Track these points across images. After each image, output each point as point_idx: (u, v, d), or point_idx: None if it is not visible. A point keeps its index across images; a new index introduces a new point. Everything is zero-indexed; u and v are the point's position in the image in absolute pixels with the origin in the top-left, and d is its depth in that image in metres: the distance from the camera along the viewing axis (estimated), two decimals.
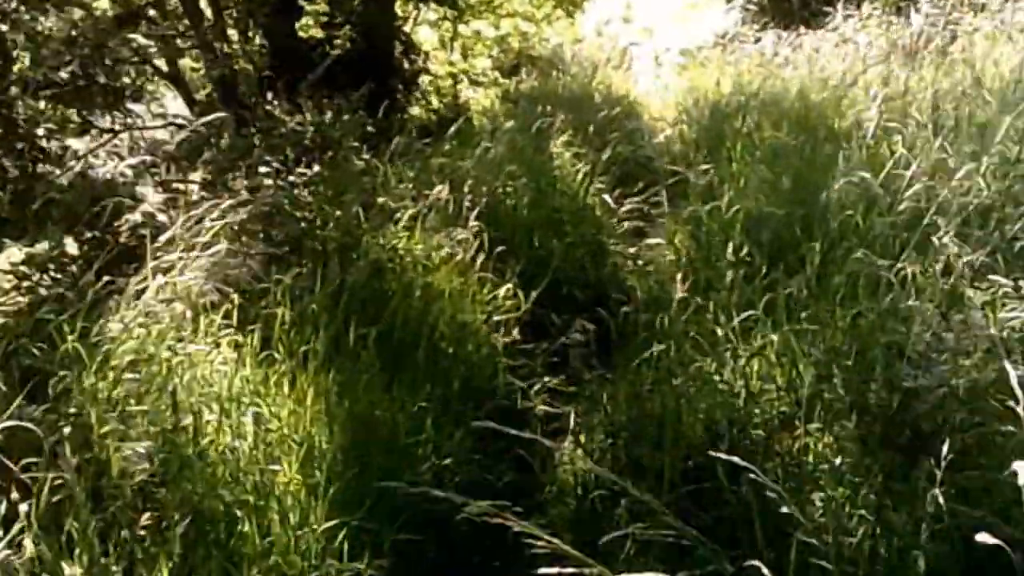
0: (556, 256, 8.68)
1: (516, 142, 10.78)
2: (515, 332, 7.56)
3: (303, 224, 7.58)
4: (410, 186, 8.61)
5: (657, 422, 5.60)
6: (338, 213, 7.85)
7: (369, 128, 10.37)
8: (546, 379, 7.09)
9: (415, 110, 14.28)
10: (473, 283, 7.52)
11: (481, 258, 7.77)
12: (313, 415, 5.55)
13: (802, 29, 15.50)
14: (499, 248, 7.89)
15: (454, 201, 8.24)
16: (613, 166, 10.84)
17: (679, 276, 6.68)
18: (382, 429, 5.70)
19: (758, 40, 16.49)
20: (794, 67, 14.19)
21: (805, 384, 5.35)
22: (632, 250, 9.56)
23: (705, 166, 10.06)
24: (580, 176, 10.47)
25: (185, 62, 13.42)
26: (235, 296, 6.33)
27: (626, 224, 10.03)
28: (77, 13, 12.58)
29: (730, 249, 7.13)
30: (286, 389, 5.70)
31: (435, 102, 14.97)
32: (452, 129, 10.89)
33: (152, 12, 12.34)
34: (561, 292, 8.27)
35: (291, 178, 8.29)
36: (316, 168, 8.50)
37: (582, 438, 6.24)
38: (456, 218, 8.14)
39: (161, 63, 13.10)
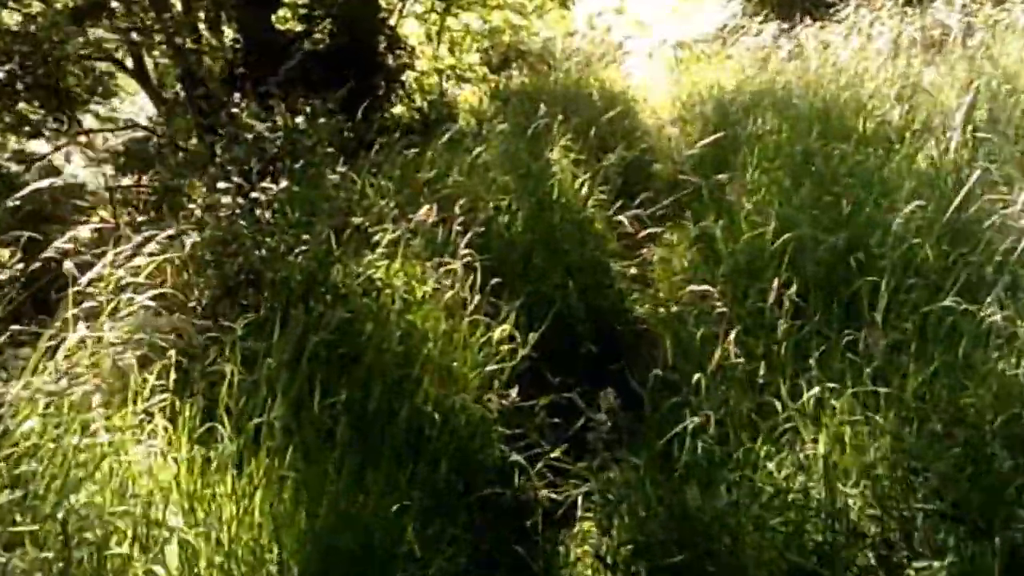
0: (557, 287, 7.34)
1: (509, 147, 9.35)
2: (512, 386, 6.14)
3: (263, 253, 6.16)
4: (391, 204, 7.18)
5: (703, 533, 4.18)
6: (306, 238, 6.44)
7: (347, 132, 8.94)
8: (549, 451, 5.60)
9: (399, 109, 12.86)
10: (463, 327, 6.09)
11: (472, 290, 6.35)
12: (264, 521, 4.15)
13: (807, 21, 14.03)
14: (494, 280, 6.49)
15: (442, 223, 6.83)
16: (615, 174, 9.37)
17: (721, 335, 5.24)
18: (353, 539, 4.29)
19: (759, 33, 15.04)
20: (802, 61, 12.79)
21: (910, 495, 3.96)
22: (638, 272, 8.24)
23: (718, 175, 8.65)
24: (580, 186, 9.05)
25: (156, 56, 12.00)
26: (173, 352, 4.94)
27: (630, 240, 8.63)
28: (37, 7, 11.26)
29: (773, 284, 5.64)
30: (230, 482, 4.31)
31: (420, 100, 13.55)
32: (441, 134, 9.53)
33: (115, 4, 10.87)
34: (562, 326, 6.79)
35: (254, 194, 6.88)
36: (284, 183, 7.08)
37: (599, 542, 4.81)
38: (444, 244, 6.73)
39: (129, 59, 11.79)
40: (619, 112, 11.60)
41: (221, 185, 6.84)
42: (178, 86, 11.94)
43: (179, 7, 11.56)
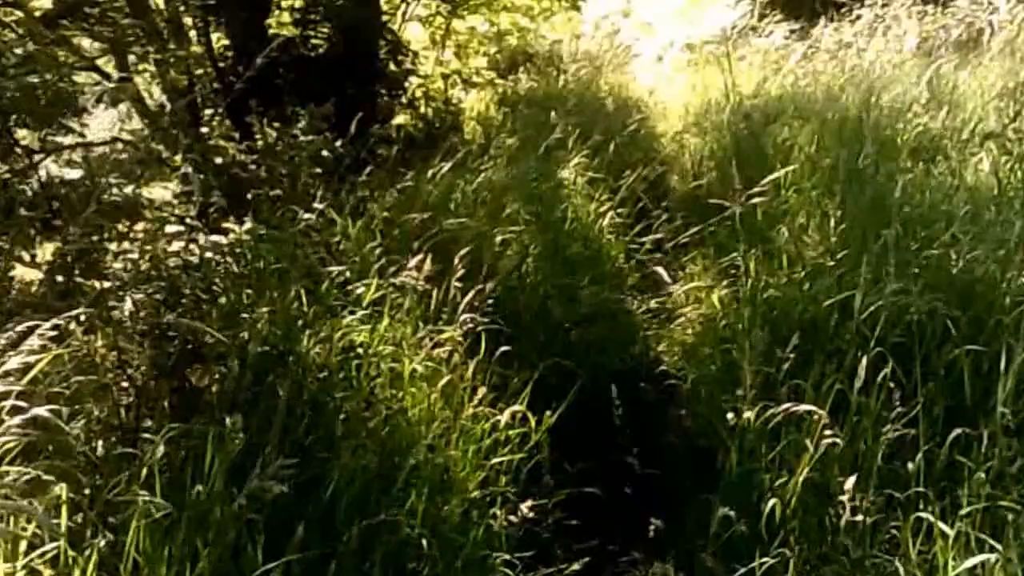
0: (573, 345, 5.64)
1: (518, 166, 7.69)
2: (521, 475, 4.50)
3: (205, 323, 4.51)
4: (378, 249, 5.51)
5: None
6: (273, 297, 4.83)
7: (338, 150, 7.27)
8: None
9: (402, 117, 11.18)
10: (464, 413, 4.42)
11: (475, 360, 4.73)
12: None
13: (822, 21, 12.32)
14: (501, 349, 4.83)
15: (440, 274, 5.19)
16: (633, 194, 7.70)
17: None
18: None
19: (770, 34, 13.34)
20: (829, 63, 11.10)
21: None
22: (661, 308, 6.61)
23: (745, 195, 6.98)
24: (596, 210, 7.39)
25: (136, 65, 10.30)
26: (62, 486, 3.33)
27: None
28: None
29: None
30: None
31: (425, 107, 11.87)
32: (444, 150, 7.90)
33: (89, 9, 9.18)
34: (582, 395, 5.11)
35: (215, 237, 5.24)
36: (249, 223, 5.44)
37: None
38: (441, 302, 5.08)
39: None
40: (634, 121, 9.88)
41: (171, 229, 5.20)
42: (164, 98, 10.29)
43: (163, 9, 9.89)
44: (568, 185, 7.55)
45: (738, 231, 6.43)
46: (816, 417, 3.72)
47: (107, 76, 9.96)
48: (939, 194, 6.45)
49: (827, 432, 3.69)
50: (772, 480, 3.94)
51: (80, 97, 9.22)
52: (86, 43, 9.90)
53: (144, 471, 3.42)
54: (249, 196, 6.42)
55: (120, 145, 8.28)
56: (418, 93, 11.90)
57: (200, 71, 10.39)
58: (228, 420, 3.51)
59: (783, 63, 11.92)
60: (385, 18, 11.35)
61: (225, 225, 5.62)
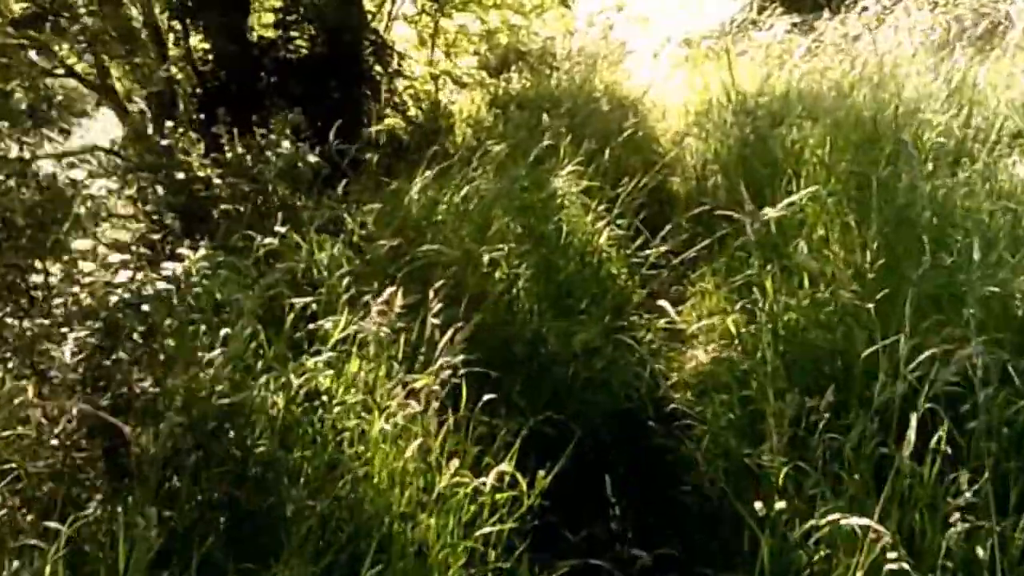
0: (572, 391, 4.93)
1: (508, 175, 6.98)
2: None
3: (148, 371, 3.86)
4: (348, 276, 4.81)
5: None
6: (229, 335, 4.17)
7: (316, 159, 6.61)
8: None
9: (391, 120, 10.48)
10: (442, 479, 3.72)
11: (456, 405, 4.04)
12: None
13: (825, 14, 11.60)
14: (488, 397, 4.10)
15: (420, 303, 4.51)
16: (632, 201, 6.99)
17: None
18: None
19: (771, 27, 12.62)
20: (829, 58, 10.40)
21: None
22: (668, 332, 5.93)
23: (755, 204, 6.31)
24: (593, 223, 6.69)
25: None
26: None
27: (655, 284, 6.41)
28: None
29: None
30: None
31: (414, 109, 11.17)
32: (430, 159, 7.16)
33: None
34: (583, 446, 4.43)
35: (168, 266, 4.57)
36: (203, 249, 4.78)
37: None
38: (418, 339, 4.40)
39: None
40: (631, 123, 9.16)
41: (114, 258, 4.53)
42: (143, 104, 9.61)
43: (138, 14, 9.21)
44: (562, 195, 6.84)
45: (751, 246, 5.76)
46: (874, 535, 2.98)
47: (84, 80, 9.30)
48: (971, 202, 5.77)
49: (890, 556, 2.94)
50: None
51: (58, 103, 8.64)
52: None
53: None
54: (213, 215, 5.78)
55: (102, 155, 7.66)
56: (406, 95, 11.22)
57: (180, 75, 9.75)
58: (142, 517, 2.82)
59: (787, 58, 11.22)
60: (370, 17, 10.67)
61: (180, 251, 4.93)
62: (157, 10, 9.27)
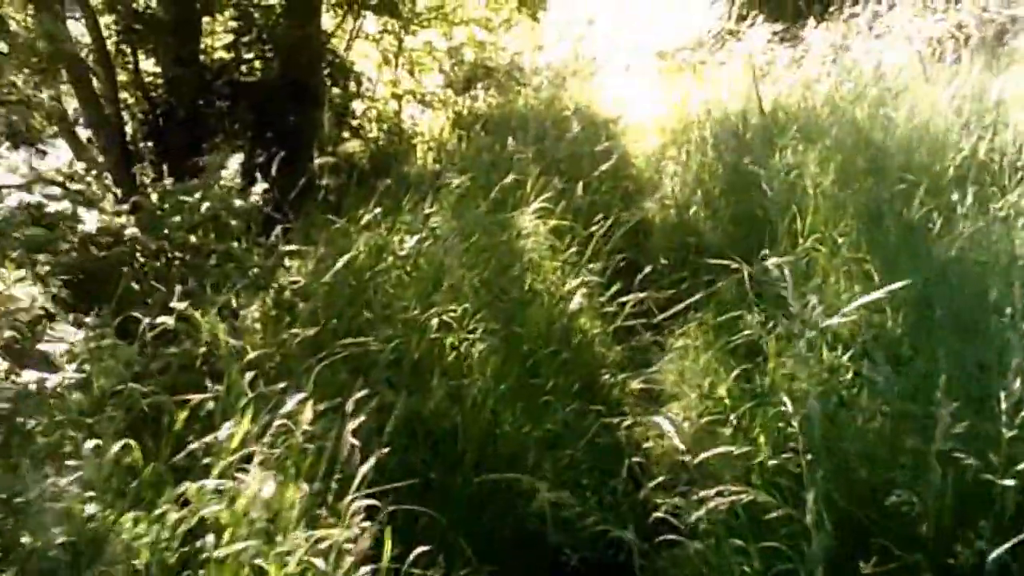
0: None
1: (467, 214, 5.89)
2: None
3: None
4: (247, 374, 3.69)
5: None
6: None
7: (242, 205, 5.53)
8: None
9: (350, 144, 9.39)
10: None
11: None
12: None
13: (811, 21, 10.53)
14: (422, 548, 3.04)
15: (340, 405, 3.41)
16: (607, 241, 5.89)
17: None
18: None
19: (751, 38, 11.54)
20: (816, 70, 9.33)
21: None
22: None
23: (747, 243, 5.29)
24: (563, 271, 5.59)
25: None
26: None
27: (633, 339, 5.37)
28: None
29: None
30: None
31: (375, 131, 10.08)
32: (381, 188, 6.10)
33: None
34: None
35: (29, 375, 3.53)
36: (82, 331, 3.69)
37: None
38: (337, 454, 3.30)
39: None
40: (604, 147, 8.07)
41: None
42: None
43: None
44: (527, 236, 5.74)
45: (745, 299, 4.71)
46: None
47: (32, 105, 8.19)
48: (1007, 242, 4.71)
49: None
50: None
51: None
52: None
53: None
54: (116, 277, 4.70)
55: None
56: (367, 117, 10.13)
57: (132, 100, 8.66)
58: None
59: (770, 70, 10.16)
60: (329, 37, 9.56)
61: (56, 330, 3.86)
62: (105, 33, 8.15)
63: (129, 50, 8.29)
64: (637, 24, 14.55)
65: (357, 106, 10.06)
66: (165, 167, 7.98)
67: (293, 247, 5.46)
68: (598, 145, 8.10)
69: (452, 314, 4.66)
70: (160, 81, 8.59)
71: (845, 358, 4.27)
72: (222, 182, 5.45)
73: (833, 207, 5.64)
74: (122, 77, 8.32)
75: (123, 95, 8.34)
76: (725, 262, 4.96)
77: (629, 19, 14.62)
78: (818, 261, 5.17)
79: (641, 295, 5.45)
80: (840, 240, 5.23)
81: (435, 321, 4.54)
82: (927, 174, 5.78)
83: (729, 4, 12.88)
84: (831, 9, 10.85)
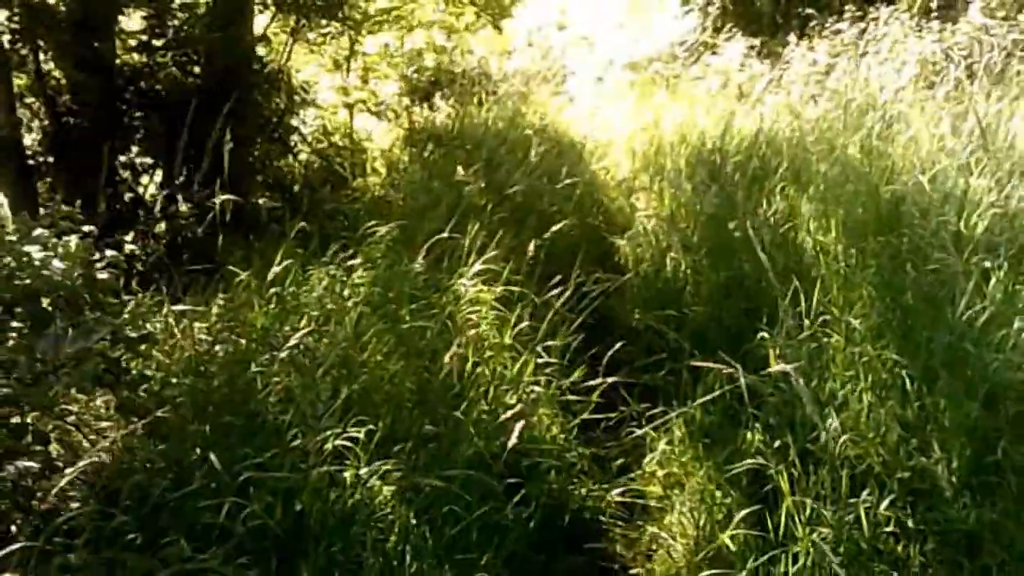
0: None
1: (399, 267, 4.58)
2: None
3: None
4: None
5: None
6: None
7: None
8: None
9: (287, 162, 8.05)
10: None
11: None
12: None
13: (792, 37, 9.26)
14: None
15: None
16: (567, 307, 4.52)
17: None
18: None
19: (726, 52, 10.27)
20: (800, 92, 8.05)
21: None
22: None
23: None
24: (512, 351, 4.26)
25: None
26: None
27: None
28: None
29: None
30: None
31: (323, 144, 8.73)
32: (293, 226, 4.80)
33: None
34: None
35: None
36: None
37: None
38: None
39: None
40: (567, 177, 6.76)
41: None
42: None
43: None
44: (464, 299, 4.41)
45: (745, 410, 3.46)
46: None
47: None
48: None
49: None
50: None
51: None
52: None
53: None
54: None
55: None
56: (311, 131, 8.76)
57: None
58: None
59: (748, 89, 8.89)
60: (265, 40, 8.19)
61: None
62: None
63: (28, 51, 6.90)
64: (609, 32, 13.23)
65: (304, 118, 8.69)
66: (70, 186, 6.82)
67: (165, 316, 4.18)
68: (560, 174, 6.78)
69: (356, 433, 3.35)
70: (62, 86, 7.23)
71: (883, 506, 3.05)
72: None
73: (841, 277, 4.38)
74: (20, 81, 6.96)
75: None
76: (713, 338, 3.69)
77: (601, 27, 13.27)
78: (829, 351, 3.90)
79: (611, 379, 4.15)
80: (855, 323, 3.96)
81: (329, 445, 3.23)
82: (945, 230, 4.53)
83: (703, 15, 11.56)
84: (812, 24, 9.57)
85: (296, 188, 7.79)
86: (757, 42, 10.20)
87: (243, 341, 3.89)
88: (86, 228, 4.35)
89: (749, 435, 3.52)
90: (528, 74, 11.75)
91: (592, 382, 4.18)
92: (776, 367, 3.34)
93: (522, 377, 4.07)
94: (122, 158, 7.17)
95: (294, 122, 8.28)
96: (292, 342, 3.54)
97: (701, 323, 4.63)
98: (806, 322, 4.02)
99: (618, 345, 4.30)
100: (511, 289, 4.46)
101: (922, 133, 6.01)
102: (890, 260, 4.41)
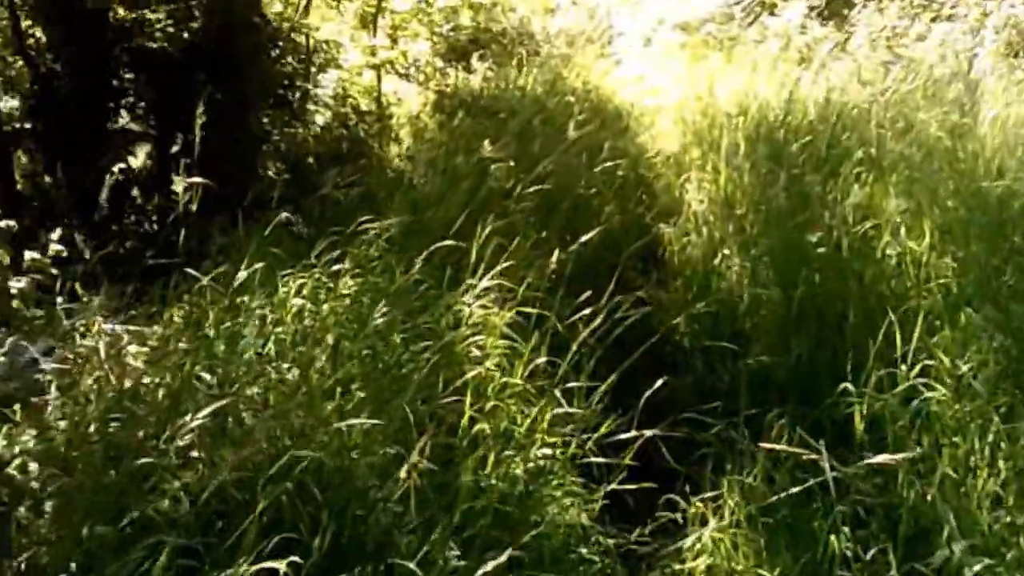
0: None
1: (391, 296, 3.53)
2: None
3: None
4: None
5: None
6: None
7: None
8: None
9: (296, 131, 6.99)
10: None
11: None
12: None
13: None
14: None
15: None
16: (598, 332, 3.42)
17: None
18: None
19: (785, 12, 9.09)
20: (867, 57, 6.92)
21: None
22: None
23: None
24: (522, 401, 3.20)
25: None
26: None
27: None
28: None
29: None
30: None
31: (348, 108, 7.67)
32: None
33: None
34: None
35: None
36: None
37: None
38: None
39: None
40: (610, 151, 5.69)
41: None
42: None
43: None
44: (468, 328, 3.36)
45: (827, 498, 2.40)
46: None
47: None
48: None
49: None
50: None
51: None
52: None
53: None
54: None
55: None
56: (332, 97, 7.69)
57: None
58: None
59: (810, 54, 7.76)
60: None
61: None
62: None
63: (6, 3, 5.93)
64: None
65: (323, 81, 7.63)
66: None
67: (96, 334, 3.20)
68: (601, 150, 5.72)
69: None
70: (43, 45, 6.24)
71: None
72: None
73: (946, 303, 3.29)
74: None
75: None
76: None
77: None
78: (935, 408, 2.85)
79: (647, 433, 3.10)
80: (967, 369, 2.90)
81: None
82: None
83: None
84: None
85: (310, 160, 6.77)
86: (819, 1, 9.03)
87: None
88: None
89: (833, 539, 2.48)
90: (572, 34, 10.64)
91: (624, 435, 3.13)
92: (876, 459, 2.30)
93: (535, 435, 3.03)
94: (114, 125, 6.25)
95: (310, 85, 7.22)
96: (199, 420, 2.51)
97: (762, 357, 3.56)
98: (902, 368, 2.96)
99: (659, 383, 3.25)
100: (527, 311, 3.40)
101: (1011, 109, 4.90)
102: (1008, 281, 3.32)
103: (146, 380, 3.01)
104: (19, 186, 6.16)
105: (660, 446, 3.14)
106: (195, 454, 2.58)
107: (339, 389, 3.02)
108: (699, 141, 6.55)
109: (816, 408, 3.10)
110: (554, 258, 3.44)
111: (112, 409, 2.87)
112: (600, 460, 3.11)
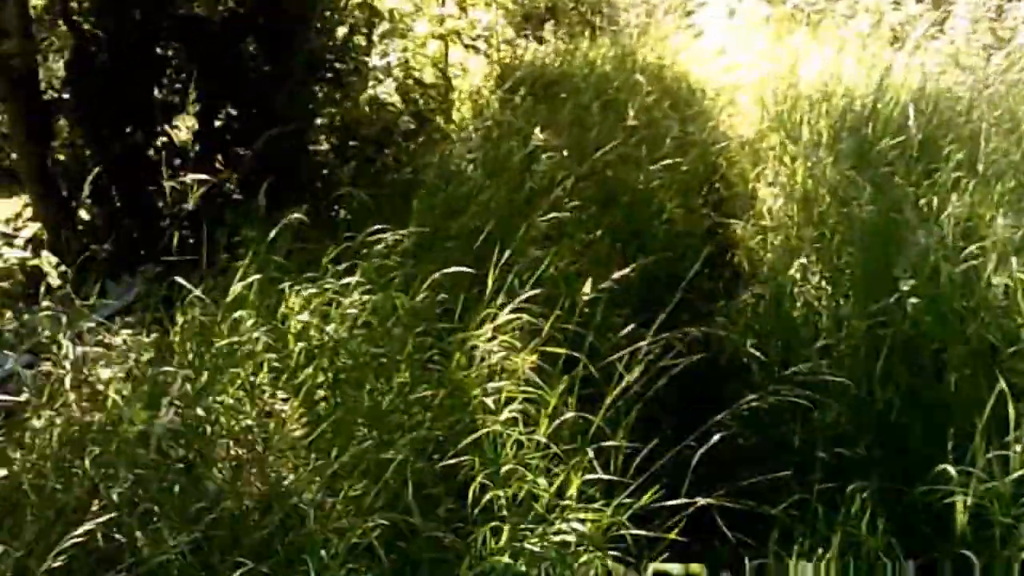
0: None
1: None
2: None
3: None
4: None
5: None
6: None
7: None
8: None
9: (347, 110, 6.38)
10: None
11: None
12: None
13: None
14: None
15: None
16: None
17: None
18: None
19: None
20: (966, 39, 6.15)
21: None
22: None
23: None
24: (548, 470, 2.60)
25: None
26: None
27: None
28: None
29: None
30: None
31: (412, 82, 7.04)
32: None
33: None
34: None
35: None
36: None
37: None
38: None
39: None
40: (677, 138, 5.03)
41: None
42: None
43: None
44: (490, 373, 2.75)
45: None
46: None
47: None
48: None
49: None
50: None
51: None
52: None
53: None
54: None
55: None
56: (396, 64, 7.07)
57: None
58: None
59: (904, 32, 6.98)
60: None
61: None
62: None
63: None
64: None
65: (385, 50, 7.01)
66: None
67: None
68: (667, 136, 5.06)
69: None
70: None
71: None
72: None
73: None
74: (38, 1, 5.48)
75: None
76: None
77: None
78: None
79: (700, 502, 2.48)
80: None
81: None
82: None
83: None
84: None
85: (365, 135, 6.19)
86: None
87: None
88: None
89: None
90: (653, 1, 9.91)
91: (670, 502, 2.52)
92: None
93: (558, 506, 2.43)
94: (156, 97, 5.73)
95: (368, 57, 6.62)
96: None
97: (844, 411, 2.90)
98: (1016, 449, 2.30)
99: (716, 438, 2.63)
100: (555, 351, 2.78)
101: None
102: None
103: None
104: (60, 156, 5.69)
105: (715, 517, 2.53)
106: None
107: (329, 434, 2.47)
108: (778, 127, 5.85)
109: (905, 483, 2.46)
110: (611, 277, 2.80)
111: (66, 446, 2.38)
112: (639, 533, 2.50)
